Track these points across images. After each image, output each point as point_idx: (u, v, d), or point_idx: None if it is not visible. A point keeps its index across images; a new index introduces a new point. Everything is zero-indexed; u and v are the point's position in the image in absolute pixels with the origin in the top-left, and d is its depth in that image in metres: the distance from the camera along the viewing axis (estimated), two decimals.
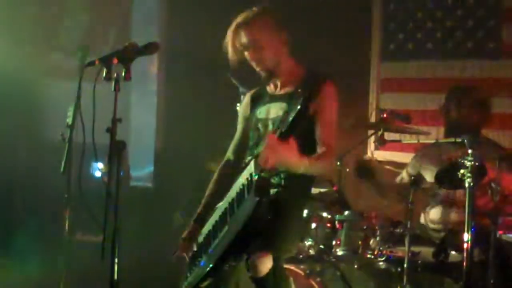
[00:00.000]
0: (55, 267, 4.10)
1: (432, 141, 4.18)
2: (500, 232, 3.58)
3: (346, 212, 4.05)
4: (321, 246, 4.01)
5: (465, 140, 3.20)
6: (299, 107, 2.88)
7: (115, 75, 2.76)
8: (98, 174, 4.71)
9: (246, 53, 3.30)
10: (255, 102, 3.47)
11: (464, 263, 3.18)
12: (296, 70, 3.34)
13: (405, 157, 4.60)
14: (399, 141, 4.19)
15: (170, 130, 6.60)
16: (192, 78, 6.14)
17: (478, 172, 3.16)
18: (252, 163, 3.03)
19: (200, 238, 3.39)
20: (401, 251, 3.73)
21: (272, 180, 3.09)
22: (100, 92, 2.82)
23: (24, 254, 5.28)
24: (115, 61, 2.78)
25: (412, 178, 3.74)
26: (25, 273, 5.02)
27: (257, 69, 3.32)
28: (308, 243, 4.04)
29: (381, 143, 4.01)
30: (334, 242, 4.00)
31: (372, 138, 4.74)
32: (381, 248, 3.82)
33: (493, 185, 3.36)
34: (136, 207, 5.54)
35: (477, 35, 5.07)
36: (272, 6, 3.36)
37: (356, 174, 4.04)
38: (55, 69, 6.55)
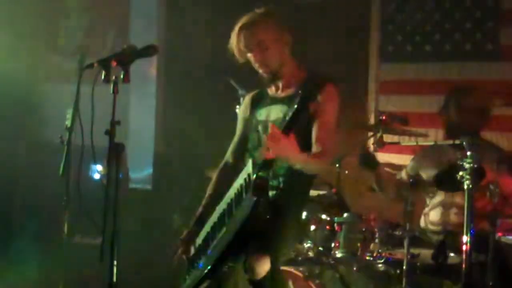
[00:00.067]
0: (54, 269, 4.10)
1: (431, 143, 4.18)
2: (499, 234, 3.58)
3: (345, 214, 4.05)
4: (320, 248, 4.01)
5: (464, 142, 3.20)
6: (296, 106, 2.88)
7: (113, 77, 2.77)
8: (97, 176, 4.71)
9: (249, 55, 3.30)
10: (256, 104, 3.47)
11: (463, 265, 3.18)
12: (298, 72, 3.35)
13: (404, 159, 4.60)
14: (398, 143, 4.18)
15: (169, 132, 6.59)
16: (191, 81, 6.14)
17: (477, 174, 3.16)
18: (250, 163, 3.03)
19: (199, 240, 3.39)
20: (400, 253, 3.73)
21: (271, 183, 3.09)
22: (99, 95, 2.82)
23: (23, 256, 5.28)
24: (114, 63, 2.78)
25: (411, 180, 3.74)
26: (24, 275, 5.01)
27: (260, 70, 3.32)
28: (307, 245, 4.04)
29: (380, 145, 4.00)
30: (333, 244, 4.00)
31: (371, 140, 4.74)
32: (380, 250, 3.83)
33: (492, 187, 3.36)
34: (135, 209, 5.53)
35: (475, 37, 5.07)
36: (272, 8, 3.36)
37: (360, 161, 4.01)
38: (54, 71, 6.57)
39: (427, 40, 5.30)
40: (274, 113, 3.31)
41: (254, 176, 2.93)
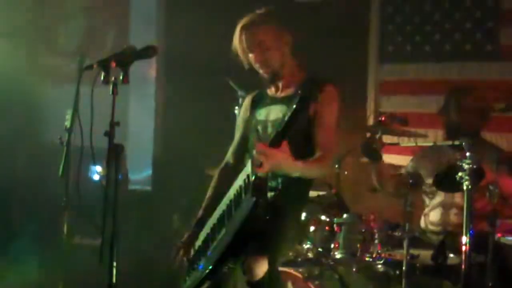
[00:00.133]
0: (53, 269, 4.10)
1: (430, 144, 4.17)
2: (499, 235, 3.57)
3: (345, 215, 4.05)
4: (320, 249, 4.01)
5: (463, 143, 3.20)
6: (294, 106, 2.88)
7: (113, 78, 2.76)
8: (96, 177, 4.72)
9: (250, 56, 3.31)
10: (256, 104, 3.47)
11: (463, 266, 3.18)
12: (298, 72, 3.35)
13: (403, 160, 4.60)
14: (397, 144, 4.19)
15: (168, 133, 6.60)
16: (191, 82, 6.14)
17: (476, 175, 3.16)
18: (249, 164, 3.03)
19: (199, 241, 3.39)
20: (400, 254, 3.72)
21: (270, 184, 3.08)
22: (98, 96, 2.82)
23: (22, 257, 5.28)
24: (113, 64, 2.78)
25: (411, 181, 3.74)
26: (24, 275, 5.01)
27: (261, 71, 3.32)
28: (306, 246, 4.03)
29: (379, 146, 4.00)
30: (332, 245, 3.99)
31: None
32: (379, 251, 3.82)
33: (491, 187, 3.35)
34: (134, 210, 5.54)
35: (475, 37, 5.07)
36: (273, 8, 3.37)
37: (362, 151, 3.98)
38: (54, 72, 6.56)
39: (427, 40, 5.30)
40: (273, 113, 3.31)
41: (254, 177, 2.93)
